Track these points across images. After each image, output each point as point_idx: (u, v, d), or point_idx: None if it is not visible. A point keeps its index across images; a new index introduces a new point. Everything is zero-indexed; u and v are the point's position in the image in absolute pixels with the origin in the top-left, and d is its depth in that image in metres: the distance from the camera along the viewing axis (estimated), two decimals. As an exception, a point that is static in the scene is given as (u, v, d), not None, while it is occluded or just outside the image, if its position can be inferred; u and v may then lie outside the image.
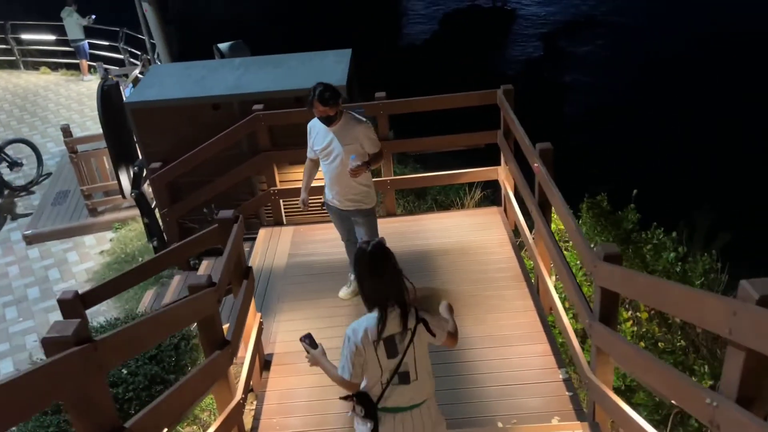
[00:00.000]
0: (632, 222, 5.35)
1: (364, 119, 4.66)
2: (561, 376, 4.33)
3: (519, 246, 5.86)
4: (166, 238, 6.94)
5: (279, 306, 5.35)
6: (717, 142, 11.75)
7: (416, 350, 2.80)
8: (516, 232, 6.33)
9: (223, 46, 8.59)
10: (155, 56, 10.43)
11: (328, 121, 4.50)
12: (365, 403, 2.82)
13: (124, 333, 2.61)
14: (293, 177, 6.63)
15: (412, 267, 5.61)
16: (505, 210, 6.37)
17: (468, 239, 5.99)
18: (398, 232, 6.23)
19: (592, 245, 5.40)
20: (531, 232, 5.30)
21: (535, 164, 4.57)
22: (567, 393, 4.19)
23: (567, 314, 4.44)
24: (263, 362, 4.66)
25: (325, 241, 6.22)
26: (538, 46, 17.90)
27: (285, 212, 6.74)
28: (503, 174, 6.22)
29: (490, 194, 7.46)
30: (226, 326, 3.88)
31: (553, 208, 4.29)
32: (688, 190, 9.94)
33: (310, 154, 4.87)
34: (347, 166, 4.55)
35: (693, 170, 10.92)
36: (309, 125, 4.78)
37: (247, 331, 4.25)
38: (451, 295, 5.21)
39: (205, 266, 6.77)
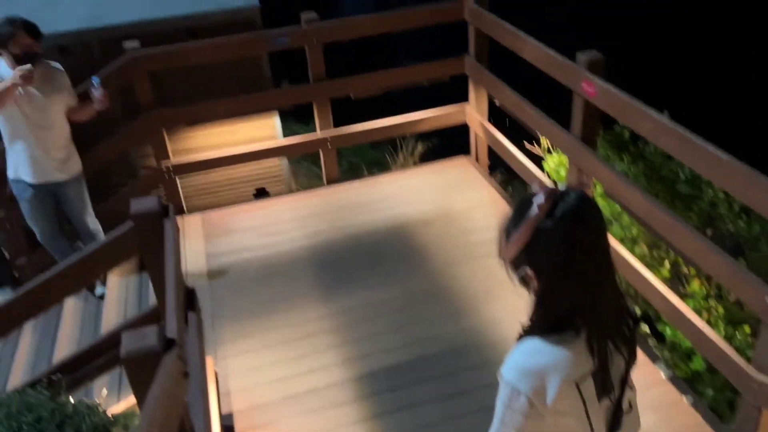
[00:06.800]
0: (662, 155, 4.21)
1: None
2: (663, 375, 3.10)
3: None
4: (6, 253, 4.74)
5: (219, 335, 3.59)
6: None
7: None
8: (508, 183, 5.04)
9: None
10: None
11: (29, 62, 3.56)
12: None
13: None
14: (192, 144, 4.76)
15: (388, 249, 4.10)
16: (476, 158, 5.01)
17: (448, 202, 4.55)
18: (353, 203, 4.64)
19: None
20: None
21: (586, 83, 3.21)
22: (676, 389, 2.97)
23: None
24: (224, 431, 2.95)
25: (254, 229, 4.47)
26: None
27: (185, 196, 4.85)
28: (473, 113, 4.83)
29: (437, 144, 6.06)
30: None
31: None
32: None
33: None
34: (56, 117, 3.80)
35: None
36: None
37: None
38: (463, 284, 3.79)
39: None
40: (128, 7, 4.39)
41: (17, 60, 3.61)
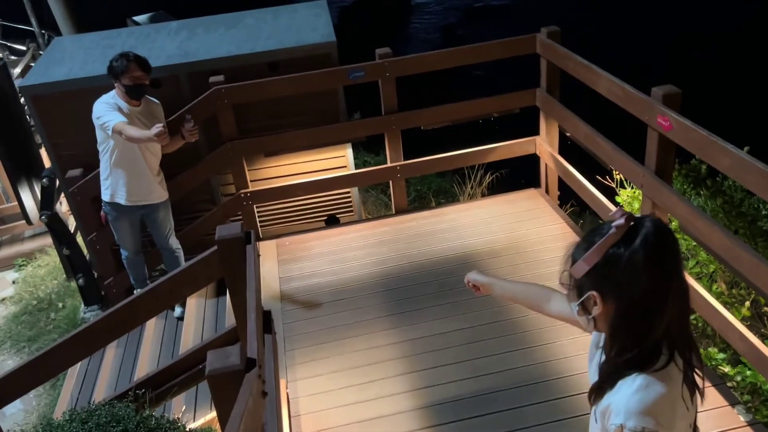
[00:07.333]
0: (742, 190, 4.08)
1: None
2: (742, 419, 2.98)
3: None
4: (96, 273, 5.07)
5: (290, 357, 3.70)
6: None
7: None
8: (579, 216, 5.00)
9: (141, 18, 6.71)
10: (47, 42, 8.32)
11: (139, 92, 3.97)
12: None
13: None
14: (268, 173, 4.96)
15: (457, 280, 4.12)
16: (546, 190, 4.99)
17: (518, 232, 4.55)
18: (422, 232, 4.71)
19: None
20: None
21: (661, 117, 3.18)
22: (767, 444, 2.84)
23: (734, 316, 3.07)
24: (292, 453, 3.03)
25: (325, 255, 4.60)
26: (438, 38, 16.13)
27: (260, 222, 5.05)
28: (543, 145, 4.83)
29: (506, 175, 6.07)
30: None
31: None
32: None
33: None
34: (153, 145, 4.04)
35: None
36: (105, 104, 3.94)
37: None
38: (531, 317, 3.76)
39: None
40: (215, 44, 4.67)
41: (128, 91, 3.92)
